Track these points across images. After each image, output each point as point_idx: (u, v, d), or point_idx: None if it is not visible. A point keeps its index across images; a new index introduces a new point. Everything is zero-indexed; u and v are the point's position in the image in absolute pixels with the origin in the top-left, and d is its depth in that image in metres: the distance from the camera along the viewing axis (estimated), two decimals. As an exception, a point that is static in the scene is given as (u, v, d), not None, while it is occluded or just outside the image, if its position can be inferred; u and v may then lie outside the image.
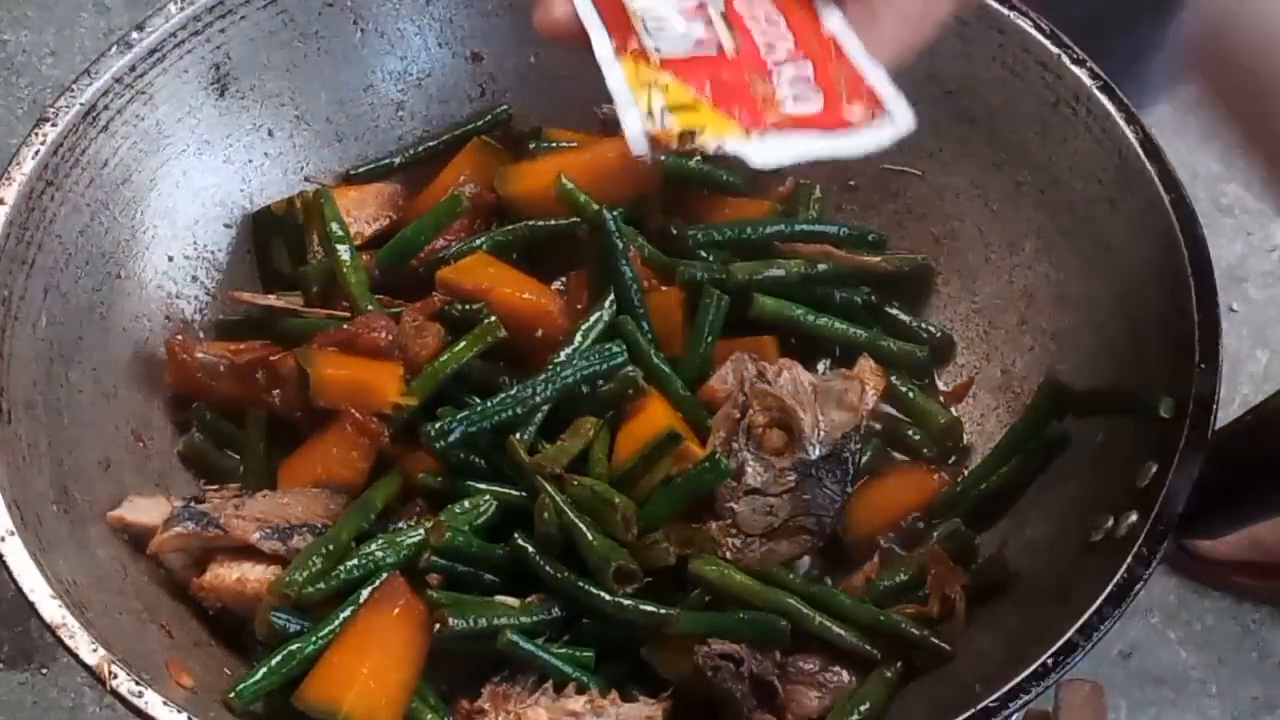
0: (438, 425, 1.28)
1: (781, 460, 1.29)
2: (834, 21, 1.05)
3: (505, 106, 1.55)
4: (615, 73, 1.00)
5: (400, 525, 1.28)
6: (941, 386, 1.46)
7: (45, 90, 2.42)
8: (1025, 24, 1.39)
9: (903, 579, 1.30)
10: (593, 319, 1.35)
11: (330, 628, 1.21)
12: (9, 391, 1.23)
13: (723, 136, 1.01)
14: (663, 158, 0.99)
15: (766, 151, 1.02)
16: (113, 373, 1.35)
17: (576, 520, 1.24)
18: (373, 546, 1.25)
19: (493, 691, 1.20)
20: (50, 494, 1.23)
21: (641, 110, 0.99)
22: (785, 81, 1.03)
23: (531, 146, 1.50)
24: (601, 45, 1.01)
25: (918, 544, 1.33)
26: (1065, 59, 1.37)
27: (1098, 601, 1.13)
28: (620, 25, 1.01)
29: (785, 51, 1.04)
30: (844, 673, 1.25)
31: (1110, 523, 1.21)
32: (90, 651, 1.11)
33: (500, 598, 1.25)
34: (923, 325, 1.47)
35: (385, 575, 1.23)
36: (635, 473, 1.29)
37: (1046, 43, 1.38)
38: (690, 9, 1.02)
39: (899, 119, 1.05)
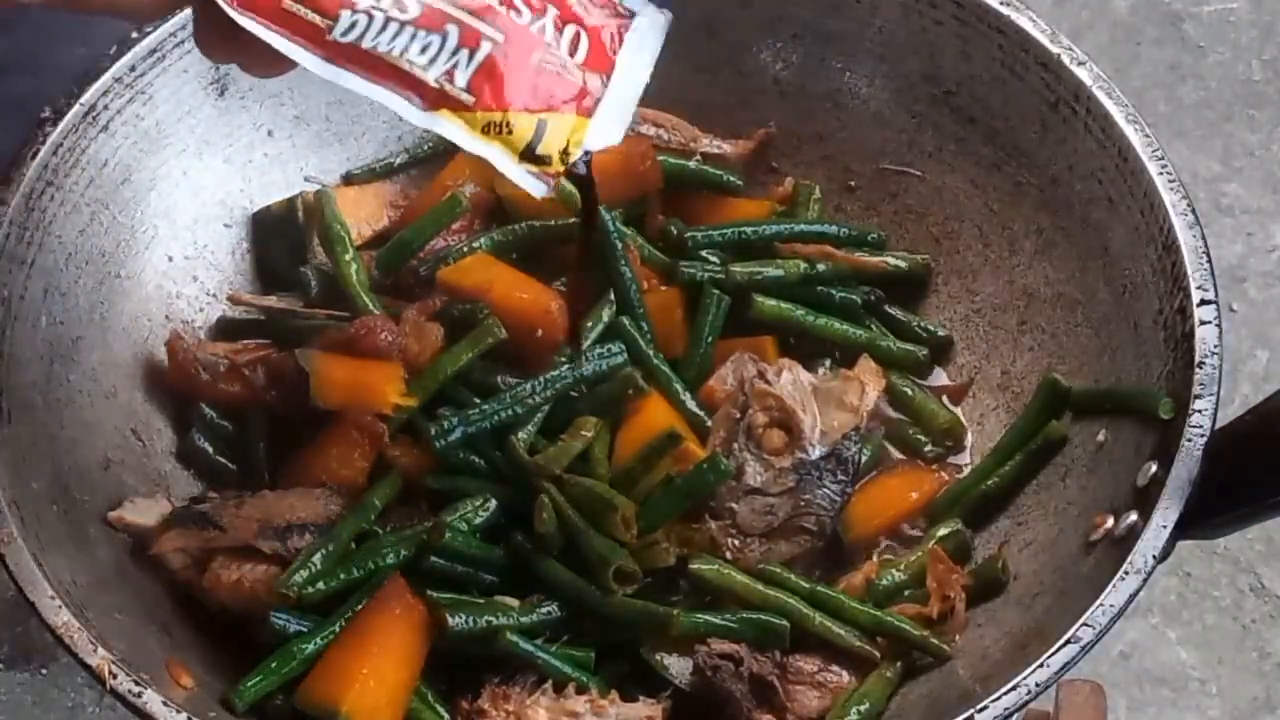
0: (438, 425, 1.28)
1: (781, 460, 1.30)
2: None
3: (505, 106, 1.55)
4: (452, 131, 0.99)
5: (400, 525, 1.28)
6: (941, 385, 1.47)
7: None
8: (1025, 24, 1.39)
9: (903, 579, 1.30)
10: (592, 319, 1.35)
11: (330, 628, 1.21)
12: (9, 391, 1.23)
13: (582, 137, 1.01)
14: (555, 185, 1.01)
15: (610, 123, 1.02)
16: (113, 373, 1.35)
17: (576, 520, 1.24)
18: (373, 547, 1.25)
19: (493, 691, 1.21)
20: (50, 494, 1.23)
21: (512, 159, 0.99)
22: (564, 41, 1.02)
23: (531, 147, 1.49)
24: (408, 109, 0.98)
25: (917, 544, 1.33)
26: (1065, 59, 1.37)
27: (1098, 601, 1.13)
28: (400, 77, 0.98)
29: (529, 14, 1.01)
30: (844, 673, 1.25)
31: (1110, 523, 1.21)
32: (90, 652, 1.11)
33: (500, 598, 1.25)
34: (922, 325, 1.47)
35: (385, 575, 1.23)
36: (635, 473, 1.29)
37: (1046, 43, 1.38)
38: (420, 19, 0.98)
39: (648, 13, 1.05)
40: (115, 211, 1.37)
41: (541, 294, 1.37)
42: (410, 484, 1.30)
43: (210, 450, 1.37)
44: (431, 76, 0.98)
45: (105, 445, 1.32)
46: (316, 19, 0.96)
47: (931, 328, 1.47)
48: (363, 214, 1.48)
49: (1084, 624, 1.12)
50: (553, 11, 1.02)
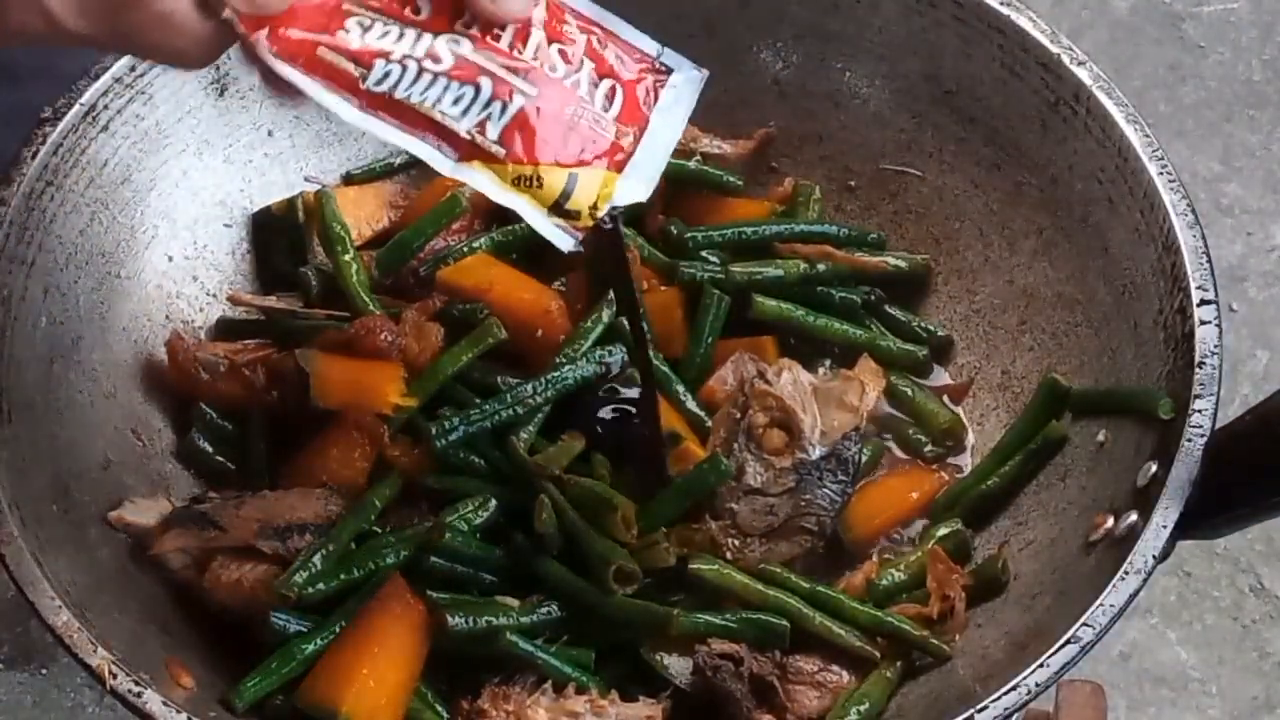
0: (438, 425, 1.28)
1: (781, 460, 1.30)
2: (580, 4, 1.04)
3: (505, 106, 1.55)
4: (482, 182, 0.98)
5: (400, 525, 1.28)
6: (942, 385, 1.47)
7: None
8: (1025, 24, 1.39)
9: (902, 579, 1.30)
10: (592, 320, 1.35)
11: (330, 628, 1.21)
12: (9, 391, 1.23)
13: (611, 192, 1.01)
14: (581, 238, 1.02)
15: (640, 180, 1.03)
16: (113, 373, 1.35)
17: (576, 520, 1.24)
18: (373, 547, 1.25)
19: (493, 691, 1.21)
20: (50, 494, 1.23)
21: (541, 212, 0.99)
22: (599, 95, 1.03)
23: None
24: (439, 160, 0.99)
25: (917, 544, 1.33)
26: (1065, 59, 1.37)
27: (1098, 601, 1.13)
28: (433, 127, 0.98)
29: (564, 69, 1.02)
30: (843, 673, 1.25)
31: (1110, 523, 1.21)
32: (90, 652, 1.11)
33: (500, 598, 1.25)
34: (922, 325, 1.47)
35: (385, 576, 1.23)
36: (635, 473, 1.29)
37: (1046, 43, 1.38)
38: (453, 71, 0.99)
39: (685, 70, 1.06)
40: (115, 211, 1.37)
41: (541, 294, 1.37)
42: (410, 484, 1.30)
43: (210, 450, 1.37)
44: (463, 128, 0.98)
45: (105, 445, 1.32)
46: (350, 68, 0.97)
47: (931, 328, 1.47)
48: (363, 214, 1.48)
49: (1084, 624, 1.12)
50: (589, 66, 1.02)
